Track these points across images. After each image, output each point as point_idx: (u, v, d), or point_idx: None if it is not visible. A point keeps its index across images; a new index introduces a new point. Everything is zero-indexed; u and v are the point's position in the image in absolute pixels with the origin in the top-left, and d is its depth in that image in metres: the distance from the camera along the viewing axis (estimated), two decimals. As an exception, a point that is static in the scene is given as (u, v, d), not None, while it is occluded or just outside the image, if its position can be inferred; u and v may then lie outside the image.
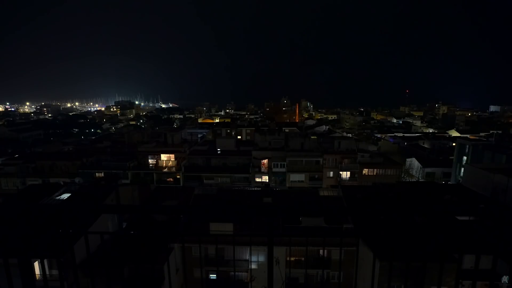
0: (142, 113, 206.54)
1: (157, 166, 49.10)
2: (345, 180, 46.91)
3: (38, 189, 29.96)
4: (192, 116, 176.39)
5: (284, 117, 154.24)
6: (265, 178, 48.47)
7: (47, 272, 20.00)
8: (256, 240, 19.90)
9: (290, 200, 30.64)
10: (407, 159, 54.37)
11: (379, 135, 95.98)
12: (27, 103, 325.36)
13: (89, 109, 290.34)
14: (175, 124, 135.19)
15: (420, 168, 51.00)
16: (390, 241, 16.28)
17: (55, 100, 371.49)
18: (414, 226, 22.18)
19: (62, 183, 35.17)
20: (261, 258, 24.56)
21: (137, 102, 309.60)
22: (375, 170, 47.04)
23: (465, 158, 48.56)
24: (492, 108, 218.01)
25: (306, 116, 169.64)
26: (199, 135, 68.39)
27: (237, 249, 25.90)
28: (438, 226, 22.53)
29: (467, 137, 68.34)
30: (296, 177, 47.61)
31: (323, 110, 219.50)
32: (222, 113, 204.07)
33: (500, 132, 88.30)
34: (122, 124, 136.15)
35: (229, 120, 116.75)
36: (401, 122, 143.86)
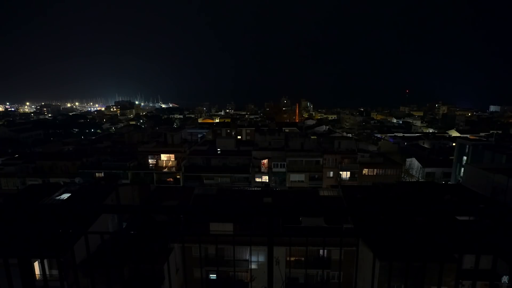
0: (142, 113, 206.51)
1: (157, 166, 49.10)
2: (345, 180, 46.92)
3: (38, 189, 29.96)
4: (192, 116, 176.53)
5: (284, 117, 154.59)
6: (265, 178, 48.48)
7: (47, 272, 20.01)
8: (256, 240, 19.90)
9: (290, 200, 30.63)
10: (407, 159, 54.36)
11: (379, 135, 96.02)
12: (27, 103, 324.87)
13: (89, 109, 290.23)
14: (175, 124, 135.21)
15: (420, 168, 51.00)
16: (390, 241, 16.30)
17: (55, 100, 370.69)
18: (414, 226, 22.17)
19: (62, 183, 35.21)
20: (261, 258, 24.56)
21: (137, 102, 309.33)
22: (375, 170, 47.06)
23: (465, 158, 48.58)
24: (492, 108, 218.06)
25: (306, 116, 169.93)
26: (199, 135, 68.42)
27: (237, 249, 25.89)
28: (438, 226, 22.52)
29: (467, 137, 68.28)
30: (296, 177, 47.62)
31: (323, 110, 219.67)
32: (222, 113, 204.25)
33: (500, 132, 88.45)
34: (122, 124, 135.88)
35: (229, 120, 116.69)
36: (401, 122, 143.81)
